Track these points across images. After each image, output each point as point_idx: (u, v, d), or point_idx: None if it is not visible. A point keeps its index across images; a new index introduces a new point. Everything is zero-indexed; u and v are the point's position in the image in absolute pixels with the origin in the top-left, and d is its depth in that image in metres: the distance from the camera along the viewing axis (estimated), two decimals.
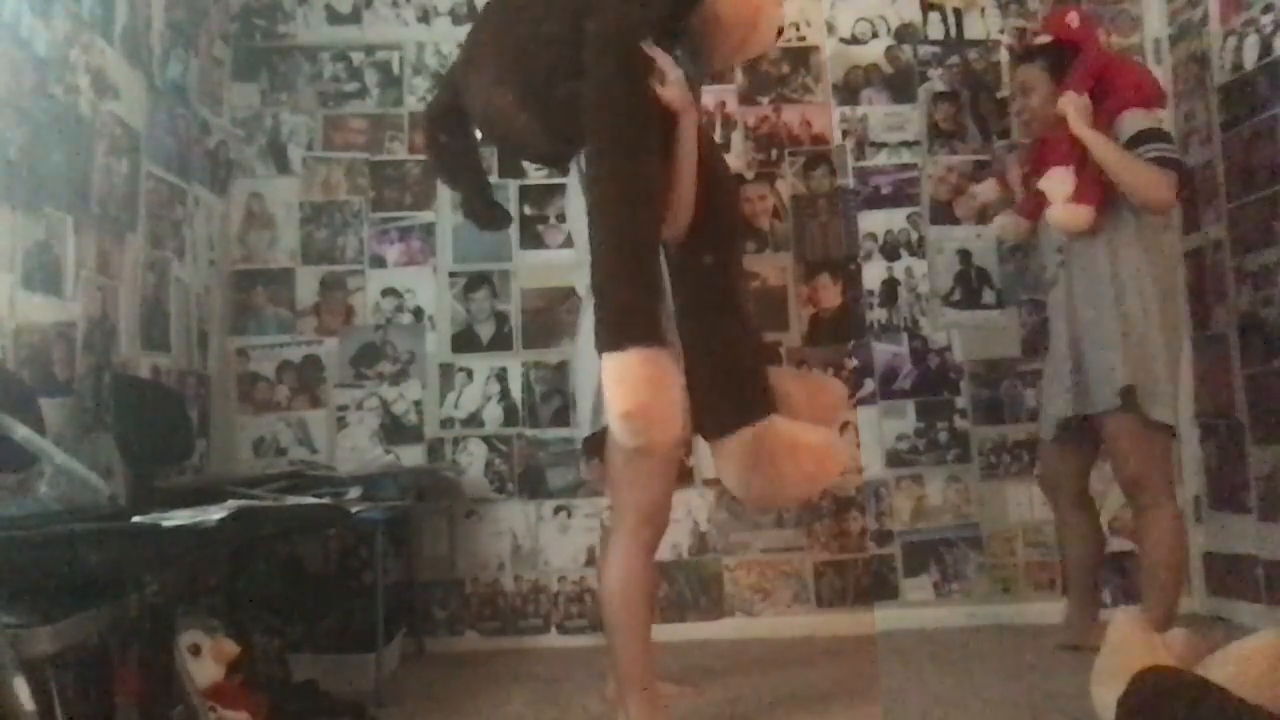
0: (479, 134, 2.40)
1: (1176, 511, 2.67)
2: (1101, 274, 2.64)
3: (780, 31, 2.50)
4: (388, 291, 3.42)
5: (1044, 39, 2.82)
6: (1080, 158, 2.65)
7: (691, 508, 3.33)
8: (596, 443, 2.20)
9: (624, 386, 1.82)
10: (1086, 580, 2.86)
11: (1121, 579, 3.26)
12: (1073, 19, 2.78)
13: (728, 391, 2.11)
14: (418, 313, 3.42)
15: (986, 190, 3.12)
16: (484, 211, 2.58)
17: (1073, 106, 2.63)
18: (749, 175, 3.49)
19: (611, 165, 1.96)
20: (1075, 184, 2.62)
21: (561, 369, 3.34)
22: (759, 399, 2.13)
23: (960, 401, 3.39)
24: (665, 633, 3.22)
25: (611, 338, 1.87)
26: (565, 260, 3.09)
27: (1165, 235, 2.71)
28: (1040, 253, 2.94)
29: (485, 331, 3.41)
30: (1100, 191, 2.62)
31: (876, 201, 3.48)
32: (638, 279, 1.91)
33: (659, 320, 1.92)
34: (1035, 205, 2.85)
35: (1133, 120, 2.64)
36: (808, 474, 2.09)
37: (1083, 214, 2.62)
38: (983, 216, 3.34)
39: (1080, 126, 2.61)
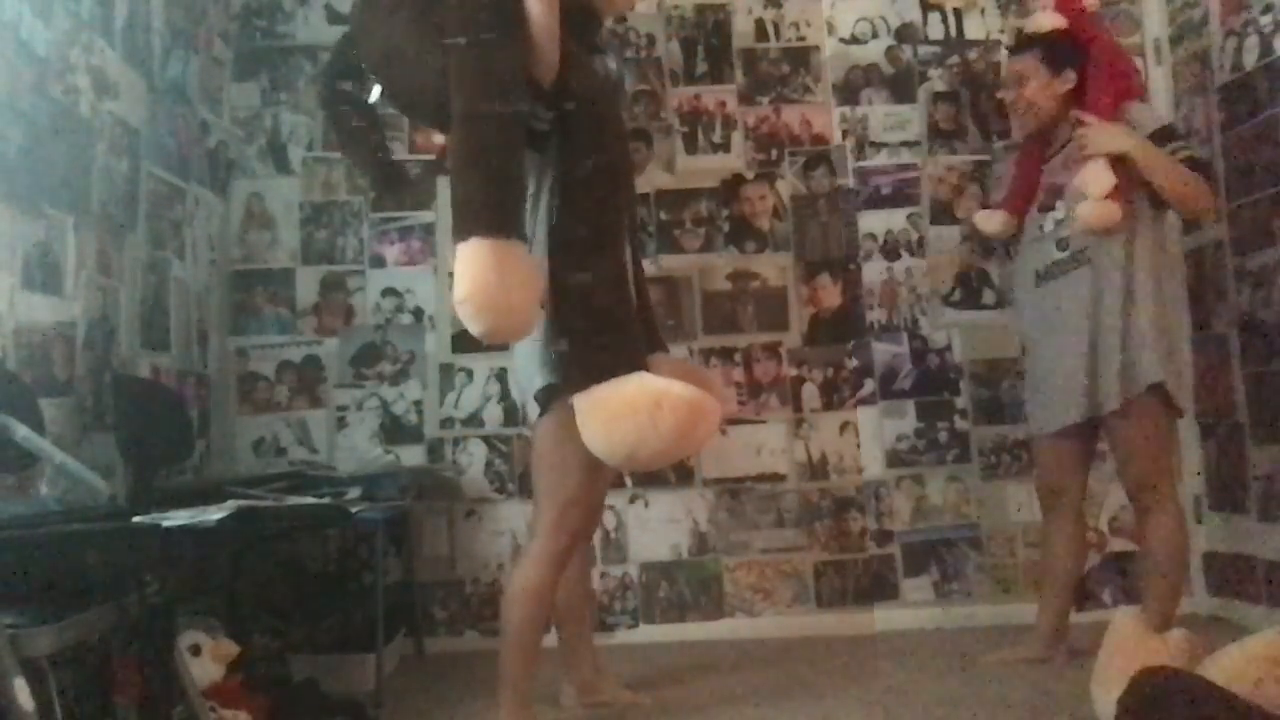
0: (378, 85, 2.28)
1: (1180, 511, 2.63)
2: (1121, 271, 2.56)
3: None
4: (388, 291, 3.42)
5: (1045, 24, 2.74)
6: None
7: (691, 508, 3.33)
8: None
9: (465, 274, 1.80)
10: (1065, 596, 2.77)
11: (1121, 579, 3.27)
12: (1091, 1, 2.73)
13: (599, 341, 2.00)
14: (418, 313, 3.42)
15: (989, 221, 2.96)
16: (386, 176, 2.53)
17: (1098, 133, 2.56)
18: (749, 175, 3.49)
19: (464, 55, 1.89)
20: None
21: None
22: (632, 352, 2.03)
23: (960, 401, 3.39)
24: (665, 633, 3.24)
25: (459, 228, 1.84)
26: None
27: (1173, 230, 2.67)
28: (1028, 246, 2.84)
29: None
30: (1129, 190, 2.55)
31: (876, 201, 3.48)
32: (488, 169, 1.85)
33: (510, 211, 1.87)
34: (1022, 200, 2.84)
35: (1141, 114, 2.63)
36: (679, 429, 1.92)
37: (1114, 211, 2.52)
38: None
39: (1119, 141, 2.54)
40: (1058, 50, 2.72)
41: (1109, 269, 2.58)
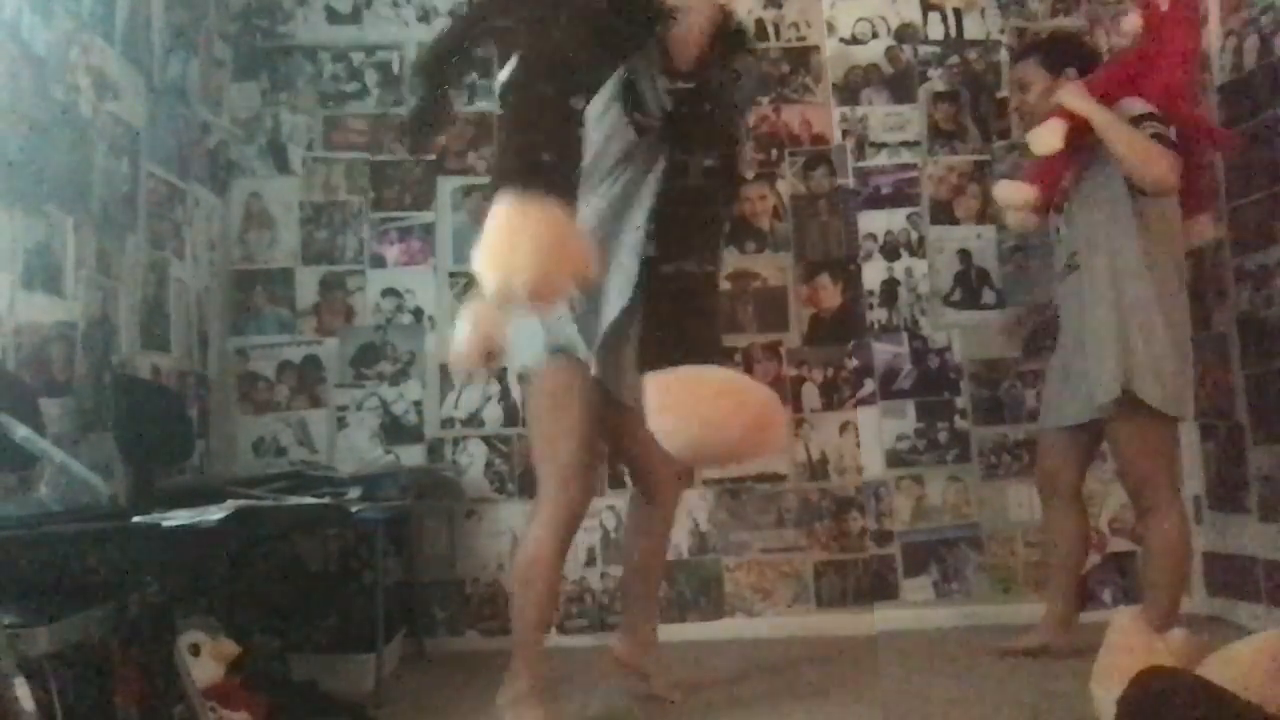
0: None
1: (1182, 511, 2.63)
2: (1109, 277, 2.56)
3: None
4: (388, 291, 3.42)
5: (1127, 27, 2.69)
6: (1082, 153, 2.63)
7: (691, 508, 3.32)
8: None
9: (489, 234, 1.69)
10: (1071, 583, 2.78)
11: (1121, 579, 3.27)
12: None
13: (681, 325, 1.99)
14: (418, 313, 3.42)
15: (1007, 190, 2.87)
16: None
17: (1067, 90, 2.57)
18: (749, 175, 3.49)
19: (534, 30, 1.90)
20: (1065, 133, 2.53)
21: None
22: (713, 340, 2.04)
23: (960, 401, 3.39)
24: (665, 633, 3.22)
25: (490, 186, 1.77)
26: None
27: (1168, 227, 2.62)
28: (1052, 247, 2.91)
29: None
30: (1051, 176, 2.62)
31: (876, 201, 3.48)
32: (532, 134, 1.79)
33: (544, 169, 1.76)
34: (1047, 177, 2.74)
35: (1132, 105, 2.57)
36: (756, 425, 1.88)
37: (1022, 191, 2.64)
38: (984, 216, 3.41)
39: (1080, 101, 2.53)
40: (1056, 51, 2.73)
41: (1097, 275, 2.58)
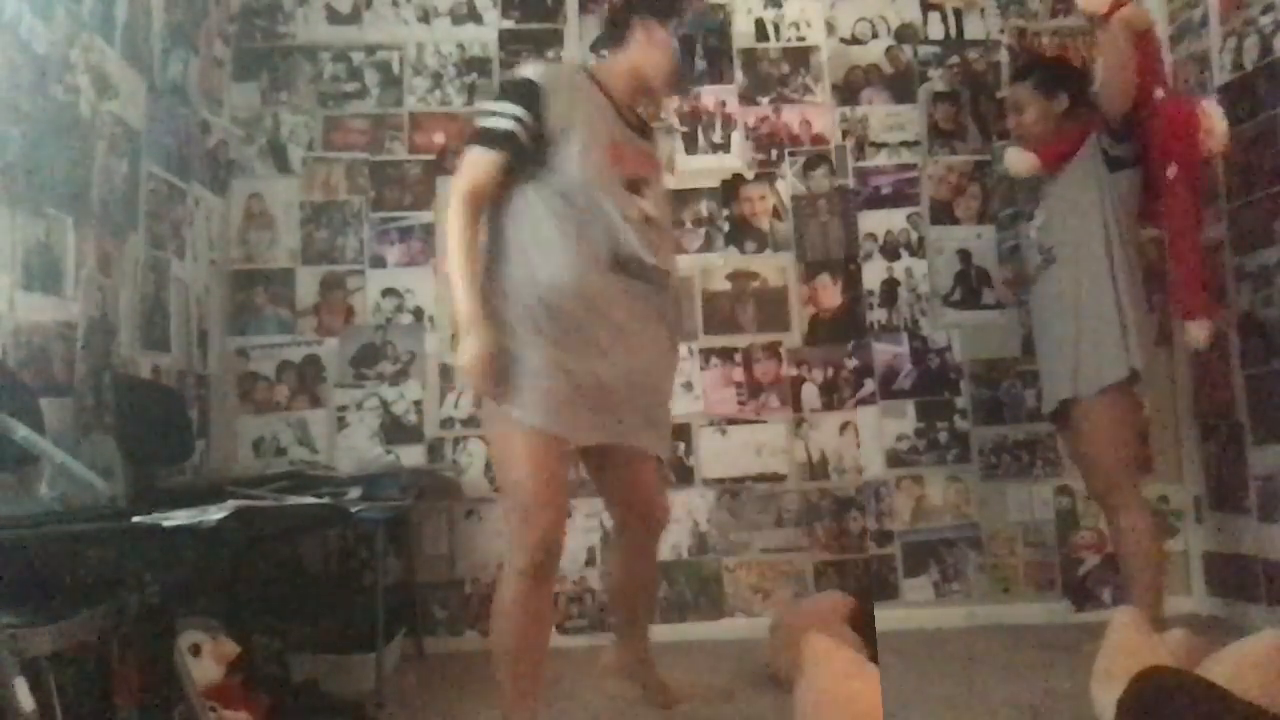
0: None
1: (1146, 507, 2.71)
2: (1084, 269, 2.67)
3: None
4: (388, 291, 3.42)
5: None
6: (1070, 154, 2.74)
7: (691, 508, 3.33)
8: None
9: None
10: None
11: (1118, 576, 3.26)
12: None
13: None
14: (418, 313, 3.41)
15: (1015, 160, 2.92)
16: None
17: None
18: (749, 175, 3.49)
19: None
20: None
21: None
22: None
23: (960, 401, 3.39)
24: (665, 633, 3.23)
25: None
26: None
27: (1131, 213, 2.74)
28: (1026, 249, 3.00)
29: None
30: (1051, 150, 2.76)
31: (876, 201, 3.48)
32: None
33: None
34: (1053, 150, 2.81)
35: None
36: None
37: (1027, 159, 2.82)
38: (984, 216, 3.46)
39: (1119, 26, 2.59)
40: (1050, 75, 2.86)
41: (1072, 268, 2.69)
